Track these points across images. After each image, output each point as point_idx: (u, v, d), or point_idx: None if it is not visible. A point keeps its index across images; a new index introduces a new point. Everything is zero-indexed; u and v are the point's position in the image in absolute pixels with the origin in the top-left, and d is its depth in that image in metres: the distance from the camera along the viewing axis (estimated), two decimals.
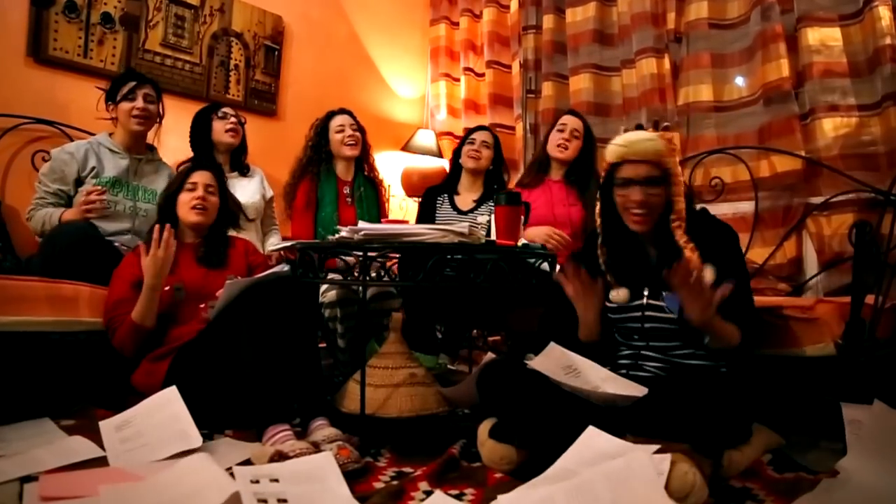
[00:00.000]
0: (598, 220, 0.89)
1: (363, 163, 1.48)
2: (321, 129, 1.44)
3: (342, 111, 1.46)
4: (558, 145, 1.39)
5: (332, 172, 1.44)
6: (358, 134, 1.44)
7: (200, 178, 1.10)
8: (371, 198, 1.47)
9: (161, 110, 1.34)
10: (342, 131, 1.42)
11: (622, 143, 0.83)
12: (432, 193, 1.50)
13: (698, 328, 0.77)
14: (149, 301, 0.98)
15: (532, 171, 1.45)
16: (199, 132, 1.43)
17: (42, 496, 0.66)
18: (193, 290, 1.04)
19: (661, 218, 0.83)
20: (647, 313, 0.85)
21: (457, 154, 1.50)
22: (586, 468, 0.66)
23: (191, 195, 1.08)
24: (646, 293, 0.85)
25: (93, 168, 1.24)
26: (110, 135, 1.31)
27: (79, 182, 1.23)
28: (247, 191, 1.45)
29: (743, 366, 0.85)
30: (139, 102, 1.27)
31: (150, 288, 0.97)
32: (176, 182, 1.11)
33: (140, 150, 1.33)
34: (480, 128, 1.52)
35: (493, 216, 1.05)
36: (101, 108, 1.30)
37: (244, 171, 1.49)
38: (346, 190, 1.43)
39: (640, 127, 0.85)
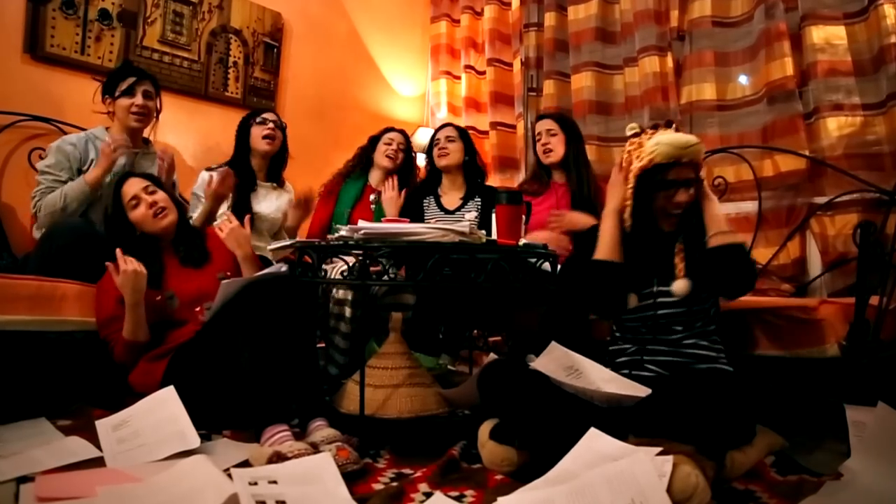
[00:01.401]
0: (629, 221, 0.88)
1: (406, 182, 1.51)
2: (374, 139, 1.53)
3: (400, 131, 1.54)
4: (544, 153, 1.39)
5: (363, 177, 1.52)
6: (402, 154, 1.50)
7: (133, 187, 1.05)
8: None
9: (159, 105, 1.33)
10: (389, 144, 1.50)
11: (677, 144, 0.81)
12: (416, 196, 1.51)
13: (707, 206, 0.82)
14: (134, 318, 0.96)
15: (534, 179, 1.45)
16: (240, 137, 1.45)
17: (38, 497, 0.65)
18: (186, 293, 1.02)
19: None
20: (658, 300, 0.86)
21: (430, 158, 1.51)
22: (587, 470, 0.65)
23: (141, 209, 1.04)
24: (655, 282, 0.87)
25: (92, 160, 1.23)
26: (107, 129, 1.30)
27: (80, 173, 1.22)
28: (272, 204, 1.46)
29: (745, 362, 0.85)
30: (138, 99, 1.25)
31: (132, 305, 0.95)
32: (112, 206, 1.05)
33: (136, 144, 1.32)
34: (444, 125, 1.54)
35: (493, 214, 1.04)
36: (98, 101, 1.28)
37: (279, 183, 1.50)
38: (373, 196, 1.49)
39: (656, 126, 0.86)
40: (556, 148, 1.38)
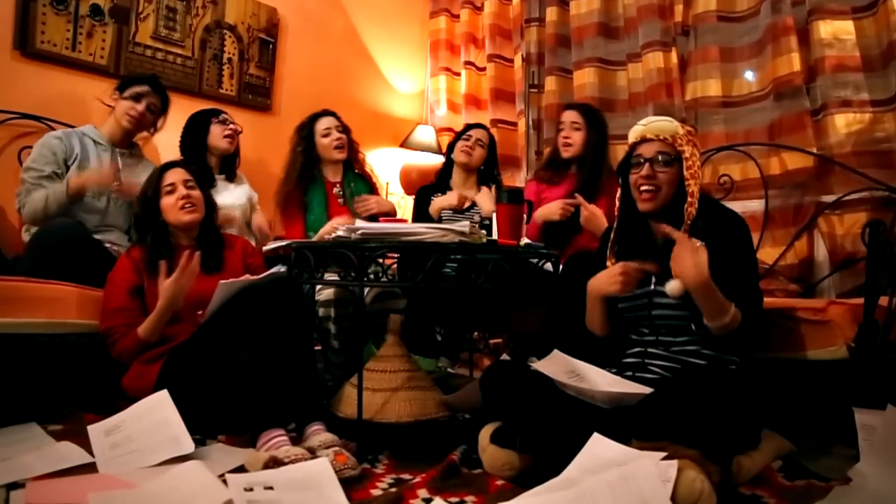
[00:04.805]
0: (617, 205, 0.90)
1: (352, 162, 1.46)
2: (307, 133, 1.41)
3: (326, 113, 1.43)
4: (564, 145, 1.37)
5: (319, 176, 1.41)
6: (344, 136, 1.41)
7: (175, 176, 1.06)
8: (363, 193, 1.44)
9: (160, 124, 1.35)
10: (328, 135, 1.39)
11: (643, 122, 0.85)
12: (426, 192, 1.48)
13: (694, 295, 0.74)
14: (159, 322, 0.96)
15: (550, 167, 1.42)
16: (195, 134, 1.41)
17: None
18: (189, 294, 1.00)
19: (671, 203, 0.83)
20: (654, 300, 0.84)
21: (450, 149, 1.49)
22: (590, 475, 0.64)
23: (173, 197, 1.04)
24: (653, 279, 0.84)
25: (76, 155, 1.23)
26: (96, 127, 1.30)
27: (66, 167, 1.22)
28: (233, 194, 1.44)
29: (752, 364, 0.83)
30: (140, 107, 1.28)
31: (165, 310, 0.95)
32: (151, 188, 1.06)
33: (124, 144, 1.33)
34: (479, 125, 1.51)
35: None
36: (108, 90, 1.30)
37: (232, 178, 1.48)
38: (336, 190, 1.42)
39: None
40: (576, 142, 1.34)
